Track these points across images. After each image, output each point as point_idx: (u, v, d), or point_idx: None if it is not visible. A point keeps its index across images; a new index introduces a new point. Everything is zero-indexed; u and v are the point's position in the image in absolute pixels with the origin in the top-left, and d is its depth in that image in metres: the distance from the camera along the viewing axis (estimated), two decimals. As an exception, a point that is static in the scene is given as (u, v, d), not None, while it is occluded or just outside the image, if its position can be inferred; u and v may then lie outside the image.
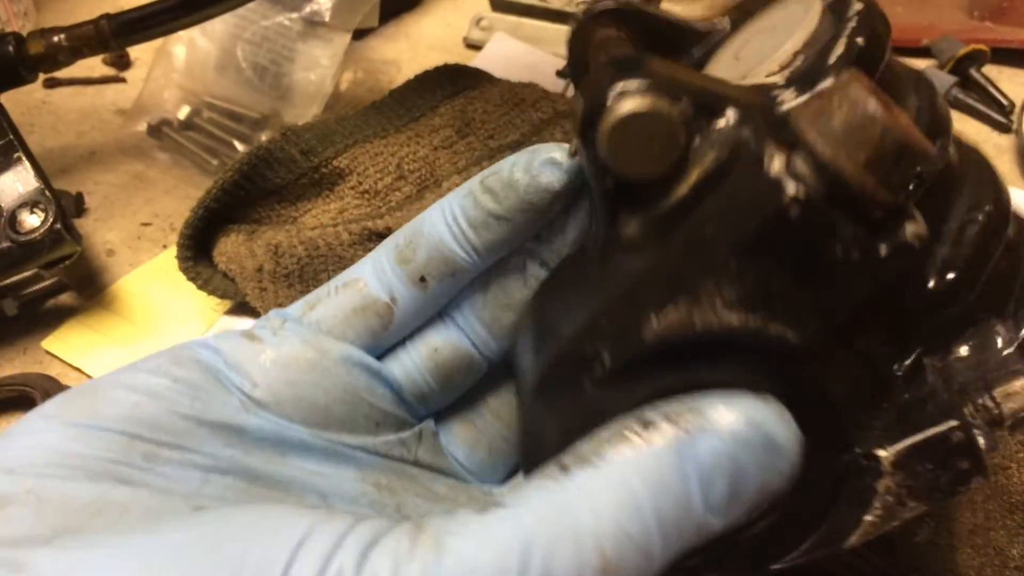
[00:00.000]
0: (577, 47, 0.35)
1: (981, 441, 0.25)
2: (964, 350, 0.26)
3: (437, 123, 0.60)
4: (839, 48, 0.27)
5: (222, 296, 0.54)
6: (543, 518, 0.24)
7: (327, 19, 0.67)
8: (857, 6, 0.29)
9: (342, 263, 0.52)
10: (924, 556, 0.41)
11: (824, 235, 0.22)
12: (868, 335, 0.25)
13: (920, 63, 0.73)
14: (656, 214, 0.26)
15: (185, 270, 0.54)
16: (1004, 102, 0.69)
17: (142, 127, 0.68)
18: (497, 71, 0.66)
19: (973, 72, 0.71)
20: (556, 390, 0.28)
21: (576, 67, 0.36)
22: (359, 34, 0.79)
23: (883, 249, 0.22)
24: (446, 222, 0.33)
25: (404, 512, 0.32)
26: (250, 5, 0.66)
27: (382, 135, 0.58)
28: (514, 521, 0.24)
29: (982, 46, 0.71)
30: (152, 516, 0.27)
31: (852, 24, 0.28)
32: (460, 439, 0.36)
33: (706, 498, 0.24)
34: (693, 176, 0.25)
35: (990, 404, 0.25)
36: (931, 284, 0.26)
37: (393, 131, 0.59)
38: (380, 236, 0.53)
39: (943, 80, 0.70)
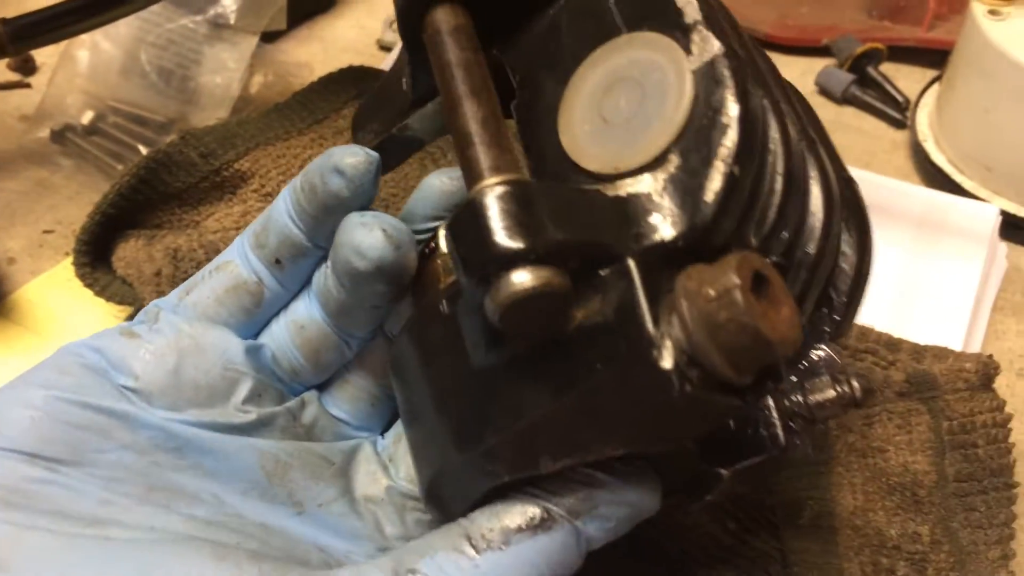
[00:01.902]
0: (411, 30, 0.33)
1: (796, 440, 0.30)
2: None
3: (341, 125, 0.60)
4: (715, 179, 0.26)
5: (120, 302, 0.54)
6: None
7: (232, 21, 0.67)
8: (731, 105, 0.27)
9: (243, 266, 0.52)
10: (807, 538, 0.42)
11: (697, 406, 0.25)
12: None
13: (820, 62, 0.76)
14: (539, 345, 0.28)
15: (82, 276, 0.53)
16: (900, 99, 0.72)
17: (45, 133, 0.67)
18: (406, 73, 0.67)
19: (870, 70, 0.73)
20: (457, 476, 0.31)
21: (412, 49, 0.34)
22: (271, 37, 0.78)
23: (742, 404, 0.26)
24: (287, 209, 0.34)
25: (296, 499, 0.33)
26: (154, 8, 0.66)
27: (285, 138, 0.58)
28: None
29: (879, 45, 0.73)
30: (54, 551, 0.28)
31: (728, 143, 0.26)
32: (342, 399, 0.38)
33: (589, 550, 0.30)
34: (578, 317, 0.27)
35: (806, 413, 0.30)
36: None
37: (296, 133, 0.59)
38: (282, 238, 0.53)
39: (841, 78, 0.72)
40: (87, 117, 0.67)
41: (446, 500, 0.32)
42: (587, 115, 0.30)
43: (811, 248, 0.29)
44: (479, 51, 0.32)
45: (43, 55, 0.76)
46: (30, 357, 0.56)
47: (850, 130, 0.71)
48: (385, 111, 0.38)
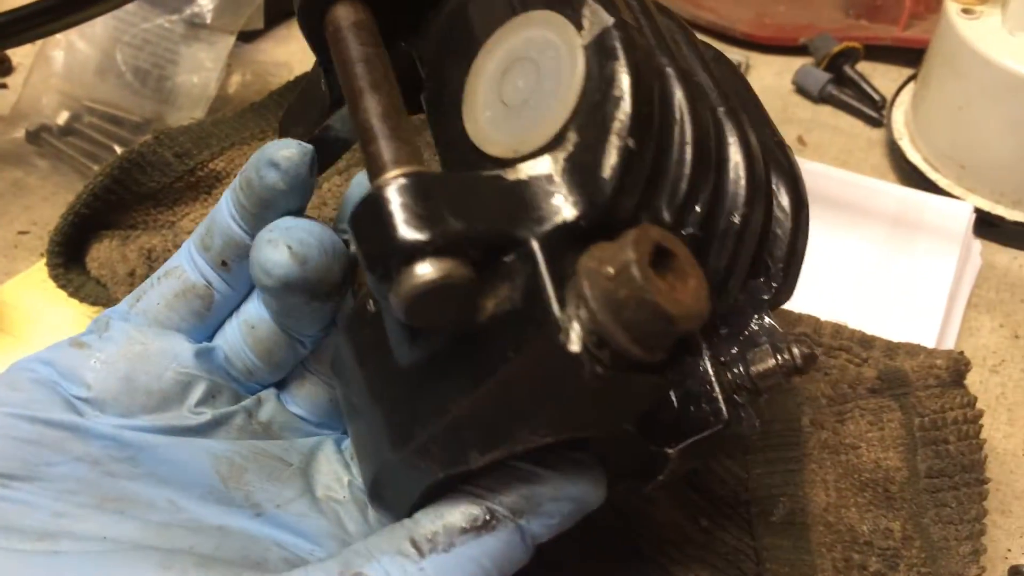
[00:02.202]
0: (312, 29, 0.33)
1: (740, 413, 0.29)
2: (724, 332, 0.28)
3: (317, 124, 0.60)
4: (611, 154, 0.26)
5: (94, 303, 0.53)
6: None
7: (209, 21, 0.67)
8: (622, 77, 0.26)
9: (218, 266, 0.52)
10: (779, 535, 0.42)
11: (614, 386, 0.25)
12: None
13: (797, 61, 0.76)
14: (454, 339, 0.27)
15: (55, 277, 0.53)
16: (876, 97, 0.72)
17: (20, 133, 0.67)
18: (383, 72, 0.66)
19: (847, 69, 0.73)
20: (395, 475, 0.30)
21: (317, 49, 0.34)
22: (249, 36, 0.78)
23: (660, 380, 0.26)
24: (229, 210, 0.34)
25: (253, 501, 0.33)
26: (129, 7, 0.65)
27: (260, 137, 0.58)
28: None
29: (856, 44, 0.74)
30: (2, 570, 0.28)
31: (621, 116, 0.26)
32: (300, 396, 0.38)
33: (534, 545, 0.30)
34: (489, 307, 0.26)
35: (749, 384, 0.29)
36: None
37: (272, 133, 0.59)
38: (257, 238, 0.53)
39: (818, 77, 0.73)
40: (63, 117, 0.67)
41: (388, 499, 0.32)
42: (488, 100, 0.30)
43: (735, 217, 0.29)
44: (380, 46, 0.31)
45: (19, 55, 0.76)
46: (5, 358, 0.55)
47: (827, 128, 0.71)
48: (308, 113, 0.38)
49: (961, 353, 0.46)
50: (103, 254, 0.52)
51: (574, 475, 0.30)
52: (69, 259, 0.53)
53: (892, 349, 0.49)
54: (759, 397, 0.29)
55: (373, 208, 0.25)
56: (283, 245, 0.32)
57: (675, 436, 0.29)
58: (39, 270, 0.59)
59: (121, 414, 0.33)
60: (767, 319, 0.29)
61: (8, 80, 0.75)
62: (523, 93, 0.29)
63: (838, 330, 0.50)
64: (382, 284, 0.25)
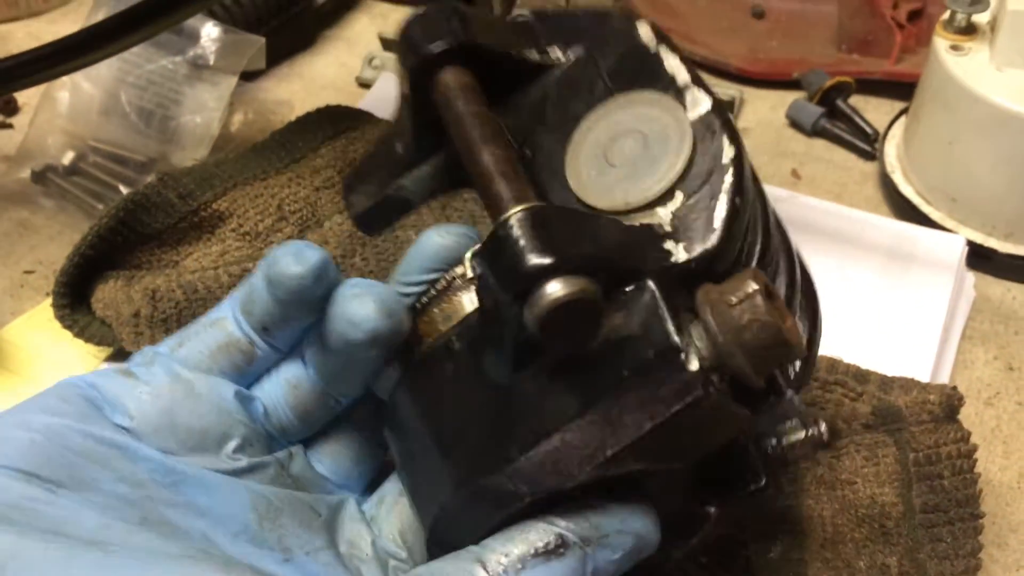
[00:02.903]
0: (419, 90, 0.35)
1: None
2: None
3: (318, 164, 0.61)
4: (721, 208, 0.30)
5: (99, 343, 0.54)
6: None
7: (212, 62, 0.68)
8: (728, 149, 0.31)
9: (221, 306, 0.53)
10: (778, 572, 0.43)
11: (717, 415, 0.29)
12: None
13: (791, 95, 0.77)
14: (565, 361, 0.30)
15: (61, 318, 0.53)
16: (869, 131, 0.73)
17: (26, 173, 0.68)
18: (384, 110, 0.68)
19: (840, 103, 0.74)
20: (470, 501, 0.32)
21: (418, 110, 0.36)
22: (251, 75, 0.79)
23: (750, 414, 0.30)
24: (268, 287, 0.35)
25: (284, 545, 0.34)
26: (134, 49, 0.67)
27: (262, 177, 0.59)
28: None
29: (848, 78, 0.75)
30: (55, 561, 0.28)
31: (729, 179, 0.31)
32: (324, 455, 0.38)
33: None
34: (606, 332, 0.29)
35: (780, 454, 0.33)
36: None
37: (274, 173, 0.60)
38: (260, 278, 0.54)
39: (811, 111, 0.74)
40: (68, 157, 0.68)
41: (455, 538, 0.32)
42: (592, 162, 0.34)
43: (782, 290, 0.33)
44: (486, 105, 0.34)
45: (24, 95, 0.77)
46: (10, 397, 0.56)
47: (821, 162, 0.73)
48: (379, 173, 0.39)
49: (954, 388, 0.46)
50: (108, 295, 0.53)
51: (638, 512, 0.31)
52: (75, 300, 0.54)
53: (887, 383, 0.49)
54: (786, 466, 0.31)
55: (503, 238, 0.28)
56: (369, 300, 0.33)
57: (716, 494, 0.33)
58: (44, 309, 0.60)
59: (159, 448, 0.33)
60: (796, 397, 0.32)
61: (14, 120, 0.77)
62: (631, 157, 0.33)
63: (833, 364, 0.50)
64: (514, 305, 0.28)
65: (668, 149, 0.32)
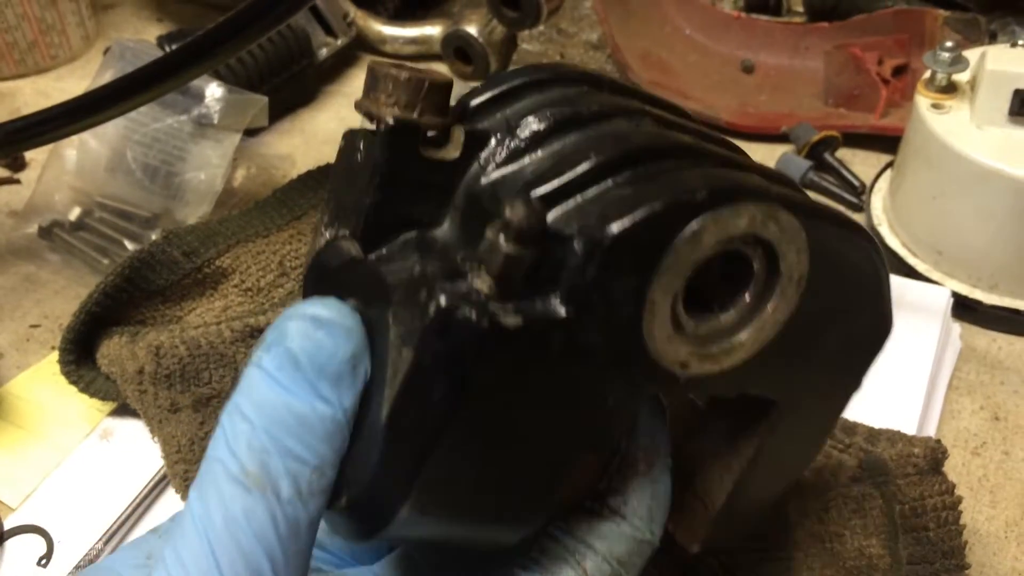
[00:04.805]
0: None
1: None
2: None
3: (318, 220, 0.62)
4: None
5: (104, 398, 0.55)
6: None
7: (216, 121, 0.70)
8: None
9: (223, 360, 0.54)
10: (768, 623, 0.44)
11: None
12: None
13: (779, 148, 0.79)
14: None
15: (67, 373, 0.55)
16: (855, 183, 0.75)
17: (33, 229, 0.70)
18: (383, 166, 0.69)
19: (827, 156, 0.76)
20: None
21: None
22: (253, 131, 0.82)
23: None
24: None
25: None
26: (140, 109, 0.69)
27: (264, 234, 0.61)
28: None
29: (835, 132, 0.77)
30: None
31: None
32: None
33: None
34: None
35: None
36: None
37: (275, 230, 0.61)
38: (262, 332, 0.55)
39: (799, 164, 0.76)
40: (74, 213, 0.70)
41: None
42: None
43: None
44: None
45: (32, 152, 0.79)
46: (15, 451, 0.57)
47: (810, 214, 0.74)
48: None
49: (938, 441, 0.47)
50: (113, 351, 0.54)
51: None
52: (80, 355, 0.55)
53: (874, 435, 0.50)
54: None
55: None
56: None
57: None
58: (50, 363, 0.61)
59: None
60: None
61: (21, 176, 0.78)
62: None
63: (822, 417, 0.51)
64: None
65: None
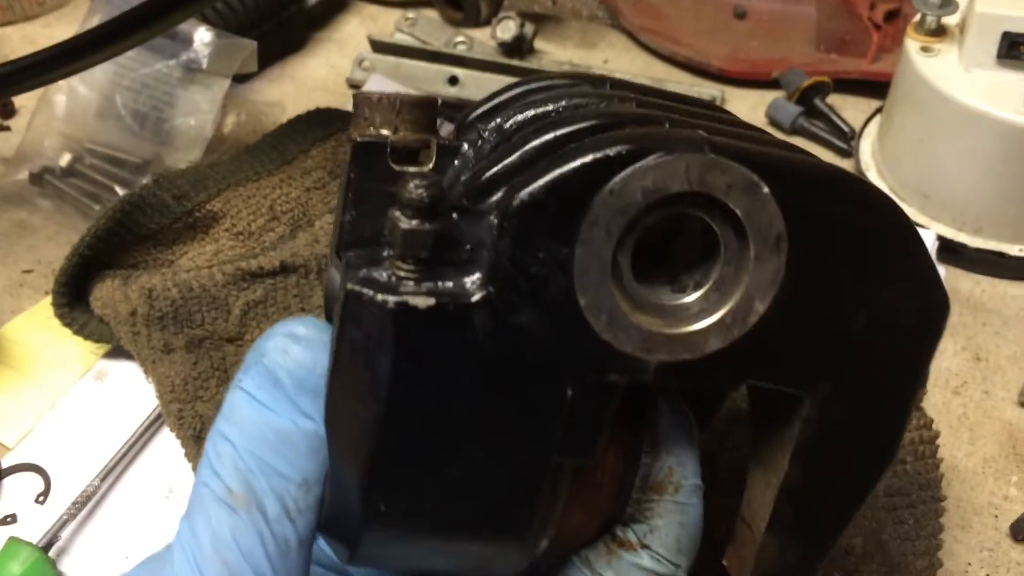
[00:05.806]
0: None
1: None
2: None
3: (309, 165, 0.63)
4: None
5: (98, 340, 0.56)
6: None
7: (205, 66, 0.70)
8: None
9: (215, 303, 0.55)
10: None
11: None
12: None
13: (770, 94, 0.79)
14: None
15: (60, 316, 0.55)
16: (845, 129, 0.75)
17: (24, 175, 0.70)
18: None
19: (817, 102, 0.76)
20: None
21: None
22: (243, 77, 0.81)
23: None
24: None
25: None
26: (129, 54, 0.68)
27: (255, 178, 0.61)
28: None
29: (825, 78, 0.77)
30: None
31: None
32: None
33: None
34: None
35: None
36: None
37: (266, 174, 0.62)
38: (253, 275, 0.56)
39: (789, 110, 0.76)
40: (65, 159, 0.70)
41: None
42: None
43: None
44: None
45: (21, 98, 0.79)
46: (10, 392, 0.58)
47: (799, 159, 0.74)
48: None
49: (917, 378, 0.48)
50: (106, 294, 0.55)
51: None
52: (73, 298, 0.56)
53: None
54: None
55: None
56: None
57: None
58: (43, 307, 0.62)
59: None
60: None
61: (11, 123, 0.78)
62: None
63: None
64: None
65: None
